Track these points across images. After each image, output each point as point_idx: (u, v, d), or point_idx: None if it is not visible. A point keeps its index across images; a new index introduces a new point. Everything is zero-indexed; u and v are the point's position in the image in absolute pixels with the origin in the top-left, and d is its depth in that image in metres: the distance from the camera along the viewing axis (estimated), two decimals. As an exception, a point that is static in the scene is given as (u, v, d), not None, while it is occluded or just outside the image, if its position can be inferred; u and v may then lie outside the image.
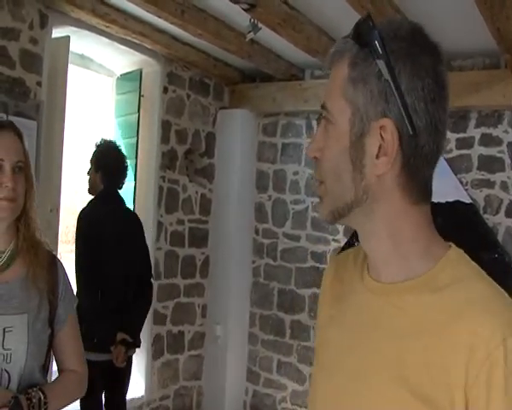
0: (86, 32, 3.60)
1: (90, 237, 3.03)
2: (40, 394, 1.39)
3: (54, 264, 1.54)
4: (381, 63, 0.73)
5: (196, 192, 4.42)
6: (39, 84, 3.20)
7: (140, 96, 4.09)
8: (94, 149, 3.30)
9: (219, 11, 3.42)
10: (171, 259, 4.16)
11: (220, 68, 4.40)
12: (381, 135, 0.75)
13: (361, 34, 0.75)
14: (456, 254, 0.80)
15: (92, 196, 3.26)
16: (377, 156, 0.75)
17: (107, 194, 3.19)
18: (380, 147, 0.75)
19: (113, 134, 4.19)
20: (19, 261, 1.47)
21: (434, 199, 0.84)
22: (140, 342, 3.20)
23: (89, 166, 3.27)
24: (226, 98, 4.70)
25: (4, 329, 1.38)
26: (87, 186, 3.28)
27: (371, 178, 0.76)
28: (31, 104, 3.15)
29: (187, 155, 4.34)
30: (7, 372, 1.37)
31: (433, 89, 0.75)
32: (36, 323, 1.44)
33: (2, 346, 1.37)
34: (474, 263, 0.80)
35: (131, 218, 3.35)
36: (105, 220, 3.08)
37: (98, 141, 3.37)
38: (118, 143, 3.45)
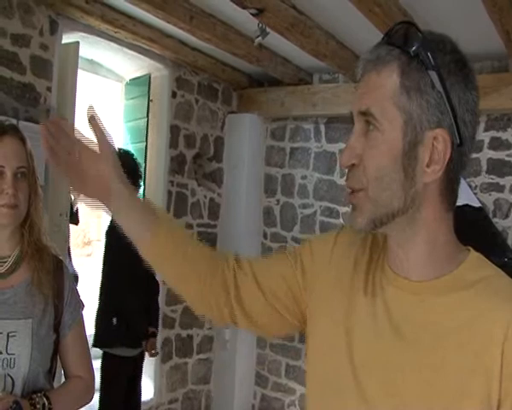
0: (95, 38, 3.63)
1: (126, 241, 3.07)
2: (44, 399, 1.38)
3: (60, 269, 1.53)
4: (433, 74, 0.75)
5: (205, 196, 4.43)
6: (49, 89, 3.24)
7: (149, 100, 4.12)
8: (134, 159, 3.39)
9: (228, 16, 3.44)
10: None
11: (228, 73, 4.42)
12: (432, 144, 0.77)
13: (409, 43, 0.77)
14: (476, 256, 0.84)
15: None
16: (428, 165, 0.77)
17: None
18: (431, 156, 0.77)
19: (122, 139, 4.22)
20: (24, 266, 1.46)
21: None
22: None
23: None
24: (234, 103, 4.72)
25: (8, 334, 1.38)
26: None
27: (420, 185, 0.78)
28: (41, 109, 3.18)
29: (195, 160, 4.36)
30: (10, 377, 1.37)
31: (477, 102, 0.80)
32: (40, 328, 1.43)
33: (6, 351, 1.37)
34: (491, 264, 0.84)
35: None
36: None
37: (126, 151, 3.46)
38: (133, 152, 3.55)
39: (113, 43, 3.73)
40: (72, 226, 4.29)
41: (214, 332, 4.49)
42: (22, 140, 1.45)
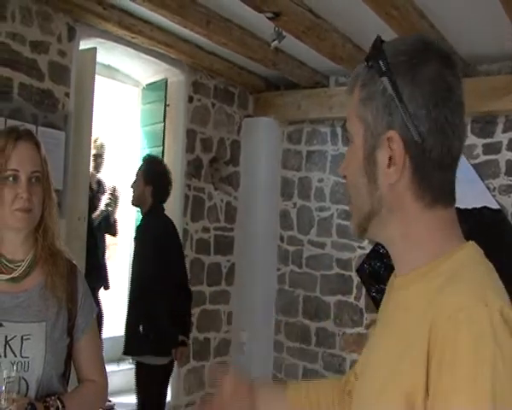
0: (113, 44, 3.67)
1: (160, 248, 3.11)
2: (58, 403, 1.38)
3: (73, 273, 1.53)
4: (384, 80, 0.79)
5: (221, 200, 4.44)
6: (67, 95, 3.28)
7: (165, 105, 4.14)
8: (141, 163, 3.36)
9: (244, 20, 3.45)
10: (196, 266, 4.19)
11: (245, 77, 4.43)
12: (389, 146, 0.80)
13: (370, 56, 0.82)
14: (468, 251, 0.81)
15: (135, 208, 3.36)
16: (388, 166, 0.80)
17: (160, 207, 3.28)
18: (390, 158, 0.80)
19: (139, 143, 4.25)
20: (38, 270, 1.46)
21: (461, 205, 0.85)
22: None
23: (135, 179, 3.29)
24: (251, 106, 4.73)
25: (22, 337, 1.38)
26: (131, 198, 3.31)
27: (384, 187, 0.81)
28: (59, 115, 3.22)
29: (212, 164, 4.37)
30: (25, 380, 1.37)
31: (435, 94, 0.78)
32: (54, 331, 1.43)
33: (20, 354, 1.37)
34: (487, 261, 0.81)
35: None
36: (168, 232, 3.25)
37: (145, 155, 3.47)
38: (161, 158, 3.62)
39: (130, 49, 3.77)
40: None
41: (231, 336, 4.49)
42: (37, 145, 1.45)
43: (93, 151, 3.97)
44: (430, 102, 0.78)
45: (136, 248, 3.23)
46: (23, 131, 1.46)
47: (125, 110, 4.57)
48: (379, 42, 0.82)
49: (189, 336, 3.42)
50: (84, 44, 3.47)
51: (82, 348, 1.52)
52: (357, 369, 0.99)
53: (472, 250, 0.82)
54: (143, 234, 3.20)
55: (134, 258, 3.22)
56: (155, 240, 3.12)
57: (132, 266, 3.23)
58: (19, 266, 1.44)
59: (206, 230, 4.30)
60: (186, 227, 4.13)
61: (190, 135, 4.21)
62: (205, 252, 4.27)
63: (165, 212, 4.06)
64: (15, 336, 1.38)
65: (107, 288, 4.22)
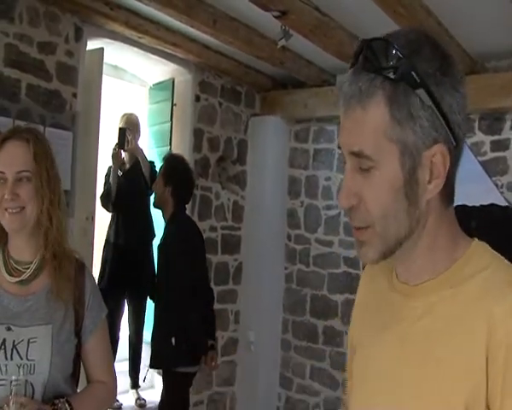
0: (120, 44, 3.67)
1: (191, 261, 3.02)
2: (66, 405, 1.38)
3: (81, 273, 1.51)
4: (421, 92, 0.72)
5: (229, 199, 4.45)
6: (75, 95, 3.29)
7: (172, 105, 4.15)
8: (162, 163, 3.27)
9: (251, 19, 3.44)
10: (204, 265, 4.19)
11: (252, 76, 4.43)
12: (431, 161, 0.75)
13: (390, 67, 0.73)
14: (478, 247, 0.82)
15: (156, 209, 3.25)
16: (429, 181, 0.76)
17: (181, 209, 3.16)
18: (431, 172, 0.76)
19: (147, 143, 4.26)
20: (45, 272, 1.45)
21: (469, 202, 0.85)
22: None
23: (156, 180, 3.20)
24: (258, 105, 4.73)
25: (29, 340, 1.38)
26: (153, 200, 3.21)
27: (423, 204, 0.77)
28: (67, 115, 3.23)
29: (219, 163, 4.37)
30: (30, 383, 1.36)
31: (463, 97, 0.77)
32: (60, 334, 1.42)
33: (26, 357, 1.37)
34: (496, 253, 0.81)
35: None
36: (196, 234, 3.20)
37: (166, 154, 3.43)
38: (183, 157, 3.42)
39: (137, 49, 3.78)
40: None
41: (239, 335, 4.50)
42: (28, 141, 1.42)
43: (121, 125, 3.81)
44: (462, 107, 0.76)
45: (163, 259, 3.03)
46: (13, 131, 1.45)
47: (132, 110, 4.57)
48: (392, 48, 0.73)
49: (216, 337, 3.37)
50: (92, 45, 3.48)
51: (90, 349, 1.51)
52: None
53: (482, 247, 0.82)
54: (171, 247, 3.01)
55: (162, 270, 3.02)
56: (185, 253, 2.98)
57: (161, 279, 3.03)
58: (27, 268, 1.44)
59: (213, 229, 4.31)
60: (193, 226, 4.14)
61: (197, 134, 4.22)
62: (212, 251, 4.27)
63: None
64: (22, 340, 1.38)
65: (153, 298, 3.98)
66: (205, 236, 4.18)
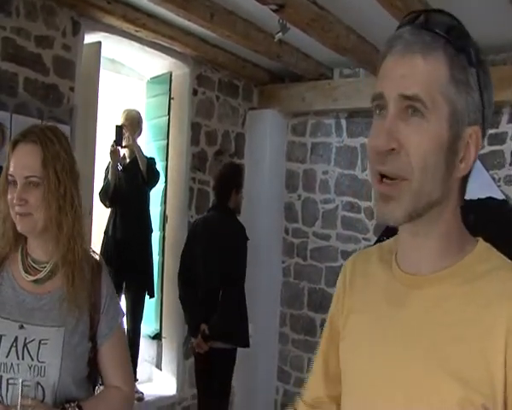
0: (117, 38, 3.67)
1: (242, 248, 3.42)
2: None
3: (98, 275, 1.48)
4: (473, 72, 0.76)
5: (226, 193, 4.44)
6: (72, 89, 3.28)
7: (170, 98, 4.14)
8: (226, 171, 3.51)
9: (248, 13, 3.44)
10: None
11: (249, 69, 4.43)
12: (467, 141, 0.77)
13: (455, 36, 0.76)
14: (484, 247, 0.84)
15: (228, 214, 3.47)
16: (461, 160, 0.78)
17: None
18: (464, 152, 0.78)
19: (145, 137, 4.25)
20: (61, 273, 1.42)
21: (466, 196, 0.85)
22: None
23: (226, 188, 3.41)
24: (255, 99, 4.73)
25: (40, 341, 1.36)
26: (233, 207, 3.47)
27: (453, 179, 0.79)
28: (64, 109, 3.23)
29: (217, 156, 4.38)
30: (41, 386, 1.34)
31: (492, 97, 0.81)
32: (73, 336, 1.39)
33: (37, 358, 1.35)
34: (500, 254, 0.83)
35: None
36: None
37: (227, 164, 3.65)
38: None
39: (134, 42, 3.77)
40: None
41: (237, 328, 4.50)
42: (40, 144, 1.39)
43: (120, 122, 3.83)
44: (492, 106, 0.80)
45: (245, 253, 3.39)
46: (25, 133, 1.41)
47: (130, 104, 4.56)
48: (458, 23, 0.77)
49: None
50: (89, 39, 3.47)
51: (105, 354, 1.48)
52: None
53: (488, 246, 0.84)
54: (242, 237, 3.44)
55: (227, 257, 3.32)
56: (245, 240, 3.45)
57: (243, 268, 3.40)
58: (43, 267, 1.43)
59: (211, 222, 4.30)
60: (191, 220, 4.14)
61: (195, 128, 4.22)
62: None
63: (169, 205, 4.12)
64: (34, 340, 1.36)
65: (152, 295, 3.92)
66: (203, 230, 4.21)
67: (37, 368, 1.33)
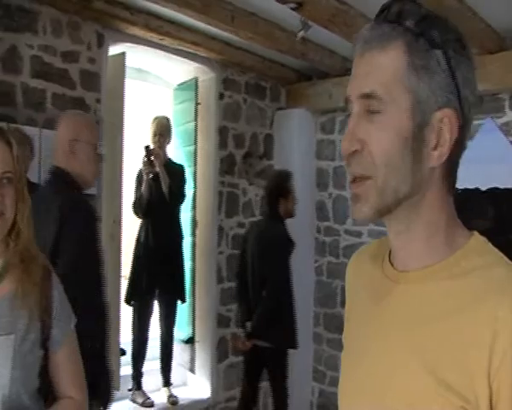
0: (142, 47, 3.72)
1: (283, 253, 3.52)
2: None
3: (48, 279, 1.39)
4: (439, 53, 0.73)
5: (256, 195, 4.45)
6: (98, 101, 3.35)
7: (196, 104, 4.18)
8: (272, 179, 3.61)
9: (269, 13, 3.43)
10: (232, 262, 4.22)
11: (276, 69, 4.42)
12: (440, 126, 0.74)
13: (413, 20, 0.74)
14: (478, 241, 0.80)
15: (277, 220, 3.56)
16: (434, 148, 0.75)
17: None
18: (437, 138, 0.74)
19: (174, 143, 4.30)
20: (9, 278, 1.33)
21: (497, 184, 0.82)
22: None
23: (273, 196, 3.51)
24: (283, 99, 4.71)
25: None
26: (283, 213, 3.52)
27: (426, 170, 0.76)
28: (92, 121, 3.30)
29: (245, 159, 4.39)
30: None
31: (475, 79, 0.77)
32: (23, 344, 1.29)
33: None
34: (496, 250, 0.79)
35: None
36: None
37: (275, 173, 3.72)
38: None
39: (159, 51, 3.82)
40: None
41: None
42: (8, 143, 1.33)
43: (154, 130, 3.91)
44: (475, 87, 0.76)
45: (280, 254, 3.47)
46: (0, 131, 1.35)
47: (159, 112, 4.63)
48: (419, 7, 0.75)
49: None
50: (114, 50, 3.53)
51: (58, 361, 1.39)
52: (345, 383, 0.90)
53: (482, 241, 0.80)
54: (282, 242, 3.53)
55: (267, 261, 3.44)
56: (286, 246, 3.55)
57: (266, 269, 3.46)
58: None
59: (241, 225, 4.32)
60: (221, 224, 4.17)
61: (222, 132, 4.24)
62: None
63: (199, 210, 4.16)
64: None
65: (184, 300, 3.94)
66: (233, 232, 4.25)
67: None
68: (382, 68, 0.74)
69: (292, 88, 4.66)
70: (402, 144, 0.74)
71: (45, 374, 1.37)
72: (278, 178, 3.60)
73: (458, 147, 0.77)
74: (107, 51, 3.44)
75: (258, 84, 4.50)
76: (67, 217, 1.97)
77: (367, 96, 0.75)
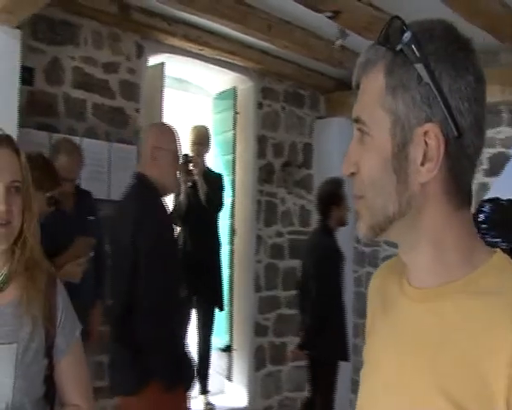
0: (181, 57, 3.78)
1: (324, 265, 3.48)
2: None
3: (52, 286, 1.37)
4: (419, 67, 0.71)
5: (295, 204, 4.43)
6: (138, 110, 3.43)
7: (235, 113, 4.20)
8: (322, 188, 3.56)
9: (305, 22, 3.43)
10: (271, 271, 4.20)
11: (314, 78, 4.40)
12: (425, 141, 0.72)
13: (393, 39, 0.73)
14: (500, 260, 0.76)
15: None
16: (422, 163, 0.73)
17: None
18: (424, 153, 0.73)
19: (213, 152, 4.34)
20: (13, 285, 1.31)
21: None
22: None
23: (324, 206, 3.48)
24: (322, 107, 4.68)
25: None
26: (335, 222, 3.50)
27: (415, 187, 0.74)
28: (130, 130, 3.38)
29: (285, 168, 4.37)
30: None
31: (476, 87, 0.73)
32: (26, 354, 1.27)
33: None
34: None
35: None
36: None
37: (328, 181, 3.61)
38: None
39: (197, 61, 3.87)
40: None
41: (311, 339, 4.45)
42: (16, 152, 1.31)
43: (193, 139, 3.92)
44: (472, 95, 0.72)
45: (328, 267, 3.43)
46: (1, 137, 1.32)
47: (199, 121, 4.69)
48: (403, 23, 0.73)
49: None
50: (153, 60, 3.61)
51: (63, 370, 1.36)
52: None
53: (504, 259, 0.76)
54: (325, 254, 3.49)
55: (314, 273, 3.42)
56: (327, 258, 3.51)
57: (314, 280, 3.44)
58: None
59: (279, 234, 4.31)
60: (259, 232, 4.16)
61: (261, 141, 4.25)
62: (279, 256, 4.28)
63: (237, 218, 4.16)
64: None
65: (222, 308, 3.93)
66: (271, 241, 4.24)
67: None
68: (366, 93, 0.77)
69: (331, 96, 4.62)
70: (384, 165, 0.75)
71: (51, 381, 1.35)
72: (330, 186, 3.53)
73: (458, 159, 0.74)
74: (146, 62, 3.52)
75: (296, 92, 4.49)
76: (142, 223, 2.05)
77: (356, 121, 0.78)
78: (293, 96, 4.47)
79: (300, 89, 4.51)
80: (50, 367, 1.34)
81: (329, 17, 3.06)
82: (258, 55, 3.95)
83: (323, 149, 4.54)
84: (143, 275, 2.00)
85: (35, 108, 2.90)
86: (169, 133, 2.29)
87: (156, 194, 2.19)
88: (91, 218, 2.79)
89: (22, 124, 2.70)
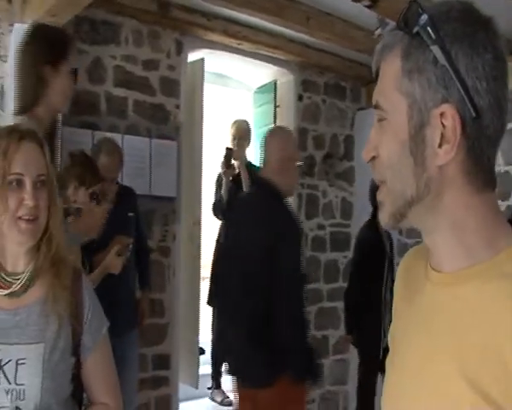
0: (221, 52, 3.81)
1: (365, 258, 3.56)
2: None
3: (79, 283, 1.34)
4: (435, 49, 0.71)
5: (336, 196, 4.40)
6: (178, 107, 3.48)
7: (275, 106, 4.20)
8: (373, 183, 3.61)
9: (344, 12, 3.39)
10: (312, 264, 4.19)
11: (355, 69, 4.34)
12: (441, 123, 0.72)
13: (410, 22, 0.73)
14: None
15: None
16: (439, 145, 0.73)
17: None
18: (442, 135, 0.72)
19: (254, 145, 4.35)
20: (39, 283, 1.28)
21: None
22: None
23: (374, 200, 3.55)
24: (364, 99, 4.62)
25: (17, 361, 1.22)
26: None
27: (433, 169, 0.74)
28: (171, 126, 3.43)
29: (326, 160, 4.34)
30: None
31: (494, 65, 0.72)
32: (53, 353, 1.25)
33: (15, 381, 1.21)
34: None
35: None
36: None
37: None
38: None
39: (237, 55, 3.89)
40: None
41: (353, 333, 4.42)
42: (41, 146, 1.29)
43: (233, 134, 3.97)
44: (490, 74, 0.71)
45: (367, 261, 3.49)
46: (26, 131, 1.29)
47: (240, 115, 4.71)
48: (417, 6, 0.73)
49: None
50: (193, 57, 3.65)
51: (90, 368, 1.34)
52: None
53: None
54: (365, 248, 3.58)
55: (356, 269, 3.56)
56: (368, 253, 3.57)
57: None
58: (18, 279, 1.27)
59: (321, 227, 4.29)
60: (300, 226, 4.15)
61: (302, 133, 4.22)
62: (321, 249, 4.26)
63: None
64: (10, 361, 1.22)
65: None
66: (313, 234, 4.22)
67: (15, 392, 1.21)
68: (383, 78, 0.77)
69: (372, 87, 4.50)
70: (401, 147, 0.75)
71: (78, 380, 1.34)
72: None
73: (478, 139, 0.72)
74: (186, 58, 3.56)
75: (337, 84, 4.45)
76: (284, 234, 2.23)
77: (375, 107, 0.79)
78: (333, 88, 4.43)
79: (341, 81, 4.46)
80: (77, 366, 1.32)
81: (367, 6, 3.01)
82: (298, 47, 3.93)
83: (365, 141, 4.43)
84: (284, 279, 2.18)
85: (78, 107, 2.99)
86: (292, 141, 2.50)
87: (282, 200, 2.35)
88: (131, 214, 2.86)
89: (66, 123, 2.79)
